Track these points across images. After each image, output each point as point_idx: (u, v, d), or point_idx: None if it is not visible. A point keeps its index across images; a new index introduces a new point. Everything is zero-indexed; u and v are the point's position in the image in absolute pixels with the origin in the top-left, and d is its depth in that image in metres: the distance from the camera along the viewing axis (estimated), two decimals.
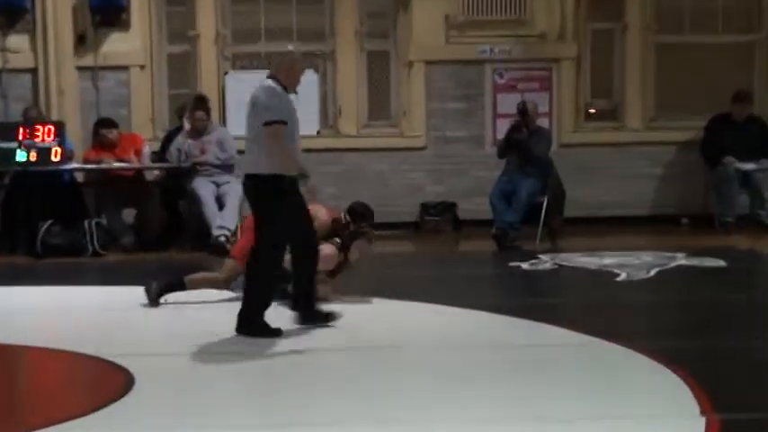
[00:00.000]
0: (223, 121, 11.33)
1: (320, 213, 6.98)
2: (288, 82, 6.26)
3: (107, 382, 5.17)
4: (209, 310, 6.85)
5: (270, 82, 6.20)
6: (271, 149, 6.03)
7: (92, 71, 11.31)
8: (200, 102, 10.62)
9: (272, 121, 6.05)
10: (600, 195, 11.72)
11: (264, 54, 11.68)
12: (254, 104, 6.16)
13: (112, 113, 10.94)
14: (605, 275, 8.31)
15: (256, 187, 6.10)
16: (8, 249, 10.00)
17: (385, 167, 11.77)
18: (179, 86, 11.67)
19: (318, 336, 6.14)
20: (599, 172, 11.74)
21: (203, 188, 10.25)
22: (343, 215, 7.26)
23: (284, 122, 6.10)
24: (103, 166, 10.45)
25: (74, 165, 10.55)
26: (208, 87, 11.48)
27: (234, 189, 10.36)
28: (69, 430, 4.29)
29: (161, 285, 7.01)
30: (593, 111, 12.00)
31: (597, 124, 11.99)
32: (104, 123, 10.55)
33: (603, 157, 11.78)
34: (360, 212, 7.28)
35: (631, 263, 8.76)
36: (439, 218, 11.63)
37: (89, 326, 6.62)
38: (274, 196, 6.04)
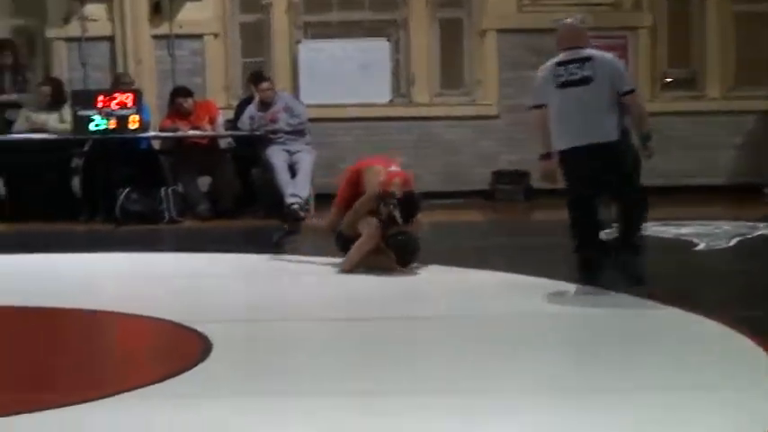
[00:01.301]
0: (295, 90, 11.38)
1: (376, 179, 7.00)
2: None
3: (184, 348, 5.24)
4: (285, 277, 6.91)
5: (603, 53, 6.35)
6: (640, 114, 6.32)
7: (167, 40, 11.43)
8: (259, 75, 10.69)
9: (633, 89, 6.31)
10: (677, 164, 11.54)
11: (336, 23, 11.70)
12: (607, 74, 6.21)
13: (187, 82, 11.05)
14: (683, 245, 8.19)
15: (622, 152, 6.28)
16: (89, 216, 10.18)
17: (457, 136, 11.73)
18: (252, 55, 11.74)
19: (393, 305, 6.17)
20: (676, 141, 11.55)
21: (276, 156, 10.32)
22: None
23: None
24: (179, 134, 10.57)
25: (150, 133, 10.70)
26: (280, 56, 11.53)
27: (306, 157, 10.43)
28: (146, 396, 4.36)
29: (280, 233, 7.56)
30: (669, 80, 11.82)
31: (674, 93, 11.81)
32: (180, 92, 10.66)
33: (681, 126, 11.60)
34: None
35: (710, 232, 8.63)
36: (511, 187, 11.56)
37: (166, 292, 6.72)
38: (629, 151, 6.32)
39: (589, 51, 6.30)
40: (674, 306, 5.86)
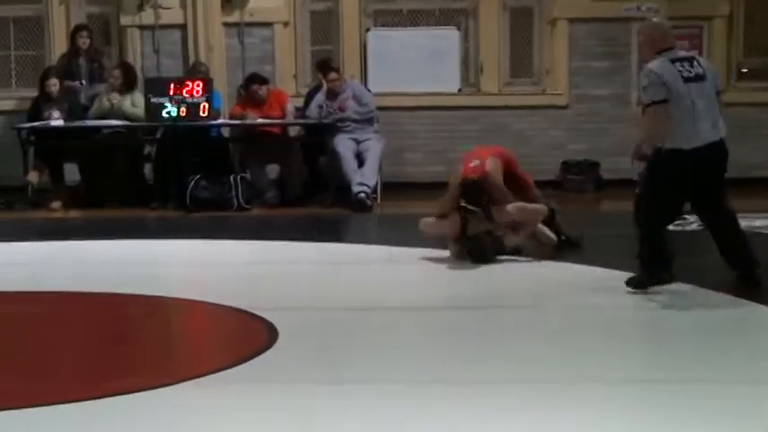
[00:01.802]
0: (364, 78, 11.39)
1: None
2: None
3: (251, 335, 5.30)
4: (351, 265, 6.93)
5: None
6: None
7: (237, 27, 11.51)
8: (326, 65, 10.71)
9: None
10: (752, 156, 11.33)
11: (406, 11, 11.68)
12: (708, 73, 6.19)
13: (256, 70, 11.10)
14: (757, 237, 8.04)
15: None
16: (160, 203, 10.32)
17: (526, 125, 11.64)
18: (321, 43, 11.78)
19: (458, 294, 6.16)
20: (752, 132, 11.34)
21: (343, 145, 10.35)
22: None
23: None
24: (247, 121, 10.65)
25: (220, 120, 10.79)
26: (349, 44, 11.55)
27: (374, 146, 10.45)
28: (213, 383, 4.42)
29: None
30: (745, 70, 11.59)
31: (751, 83, 11.58)
32: (256, 79, 10.71)
33: (756, 117, 11.37)
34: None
35: None
36: (581, 177, 11.46)
37: (234, 279, 6.78)
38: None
39: (682, 51, 6.40)
40: (751, 300, 5.78)
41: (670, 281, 6.13)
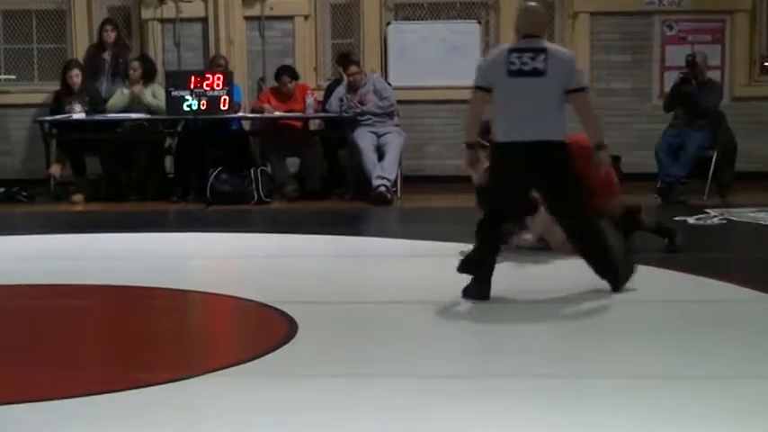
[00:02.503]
0: (385, 71, 11.38)
1: None
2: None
3: (271, 328, 5.31)
4: (371, 259, 6.94)
5: (560, 47, 6.04)
6: (589, 117, 5.95)
7: (258, 21, 11.52)
8: (346, 59, 10.71)
9: (583, 88, 5.92)
10: None
11: (427, 4, 11.65)
12: (553, 71, 5.75)
13: (277, 63, 11.12)
14: None
15: (563, 158, 5.82)
16: (181, 196, 10.36)
17: None
18: (342, 36, 11.78)
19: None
20: None
21: (363, 139, 10.35)
22: None
23: None
24: (266, 115, 10.67)
25: (240, 114, 10.82)
26: (370, 37, 11.54)
27: (394, 140, 10.44)
28: (233, 376, 4.43)
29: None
30: (767, 64, 11.51)
31: None
32: (286, 71, 10.71)
33: None
34: None
35: None
36: None
37: (254, 272, 6.80)
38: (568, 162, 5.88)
39: (546, 43, 5.85)
40: None
41: (480, 297, 5.75)
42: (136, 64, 10.72)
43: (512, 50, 5.80)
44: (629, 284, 5.90)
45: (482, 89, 5.83)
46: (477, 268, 5.82)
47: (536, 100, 5.72)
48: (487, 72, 5.83)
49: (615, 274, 5.89)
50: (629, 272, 5.95)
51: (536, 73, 5.71)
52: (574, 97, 5.80)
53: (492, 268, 5.83)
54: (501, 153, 5.86)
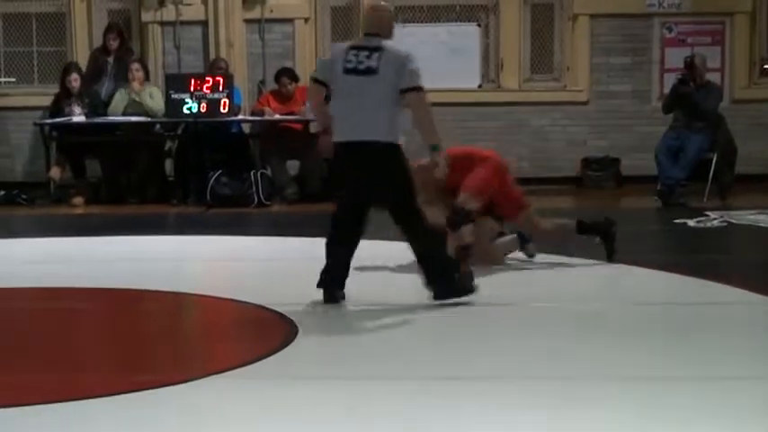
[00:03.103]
0: None
1: None
2: (390, 34, 5.82)
3: (271, 331, 5.31)
4: (370, 262, 6.92)
5: (397, 47, 5.73)
6: (423, 118, 5.72)
7: (258, 23, 11.53)
8: None
9: (417, 87, 5.64)
10: None
11: (427, 7, 11.66)
12: (386, 71, 5.62)
13: (277, 66, 11.13)
14: None
15: (393, 161, 5.70)
16: (181, 198, 10.36)
17: (546, 122, 11.62)
18: (342, 39, 11.77)
19: (479, 292, 6.15)
20: None
21: None
22: None
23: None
24: (267, 117, 10.67)
25: (240, 116, 10.82)
26: None
27: None
28: (233, 378, 4.43)
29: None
30: (767, 66, 11.52)
31: None
32: (286, 73, 10.74)
33: None
34: None
35: None
36: (601, 173, 11.43)
37: (254, 275, 6.80)
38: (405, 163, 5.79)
39: (383, 42, 5.69)
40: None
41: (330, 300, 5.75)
42: (137, 65, 10.72)
43: (351, 48, 5.75)
44: (457, 299, 5.71)
45: (316, 81, 5.83)
46: (325, 276, 5.77)
47: (367, 99, 5.60)
48: (327, 67, 5.81)
49: (443, 284, 5.71)
50: (465, 289, 5.76)
51: (369, 71, 5.61)
52: (408, 97, 5.62)
53: (342, 273, 5.77)
54: (336, 153, 5.81)
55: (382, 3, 6.06)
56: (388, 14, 5.89)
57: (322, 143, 5.97)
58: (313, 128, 11.05)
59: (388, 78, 5.59)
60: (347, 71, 5.67)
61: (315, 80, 5.89)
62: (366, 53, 5.66)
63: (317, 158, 10.75)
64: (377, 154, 5.65)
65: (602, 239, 6.87)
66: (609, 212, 10.08)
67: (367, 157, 5.67)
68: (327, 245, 5.86)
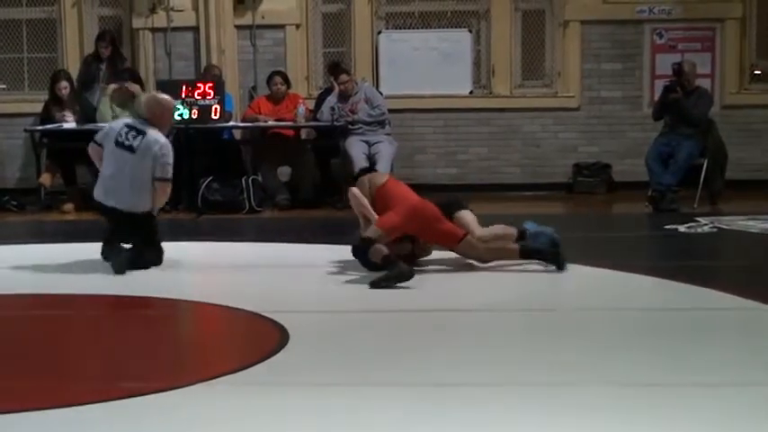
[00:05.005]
0: (376, 80, 11.40)
1: None
2: (162, 126, 7.13)
3: (262, 337, 5.30)
4: (363, 269, 6.91)
5: (158, 133, 7.00)
6: (159, 200, 7.12)
7: (249, 30, 11.53)
8: (337, 68, 10.73)
9: (169, 178, 7.04)
10: (765, 158, 11.32)
11: (418, 13, 11.68)
12: (153, 154, 6.94)
13: (269, 72, 11.13)
14: None
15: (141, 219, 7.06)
16: (172, 205, 10.33)
17: (537, 128, 11.65)
18: (333, 45, 11.80)
19: (467, 297, 6.15)
20: (765, 134, 11.34)
21: (354, 147, 10.36)
22: None
23: None
24: (259, 124, 10.67)
25: (231, 123, 10.81)
26: (361, 46, 11.56)
27: (385, 149, 10.46)
28: (224, 385, 4.42)
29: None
30: (758, 72, 11.56)
31: (763, 85, 11.56)
32: (279, 74, 10.78)
33: None
34: None
35: None
36: (592, 179, 11.45)
37: (245, 281, 6.79)
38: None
39: (149, 130, 7.00)
40: (758, 301, 5.76)
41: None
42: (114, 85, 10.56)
43: (127, 125, 7.09)
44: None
45: (95, 143, 7.18)
46: None
47: (126, 172, 6.94)
48: (107, 134, 7.12)
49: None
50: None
51: (131, 149, 6.95)
52: (157, 183, 7.00)
53: None
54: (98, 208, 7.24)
55: (162, 96, 7.31)
56: (164, 107, 7.18)
57: None
58: (304, 134, 11.11)
59: (145, 161, 6.91)
60: (117, 144, 7.01)
61: (93, 141, 7.28)
62: (133, 133, 7.00)
63: (309, 164, 10.80)
64: (132, 219, 7.13)
65: (547, 262, 6.82)
66: (600, 218, 10.19)
67: (124, 219, 7.14)
68: None
